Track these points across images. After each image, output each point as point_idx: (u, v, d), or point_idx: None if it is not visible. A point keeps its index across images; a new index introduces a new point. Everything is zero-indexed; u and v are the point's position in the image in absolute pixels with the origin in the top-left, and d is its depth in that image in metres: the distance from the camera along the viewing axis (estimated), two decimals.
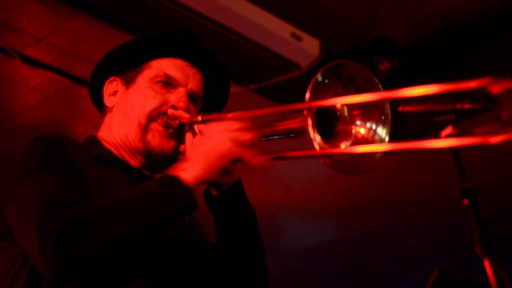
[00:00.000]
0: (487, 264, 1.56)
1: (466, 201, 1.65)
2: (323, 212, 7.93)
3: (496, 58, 5.64)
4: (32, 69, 5.32)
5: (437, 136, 1.76)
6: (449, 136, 1.75)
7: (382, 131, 2.08)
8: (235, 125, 2.07)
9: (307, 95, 1.97)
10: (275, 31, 5.07)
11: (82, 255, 1.84)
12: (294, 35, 5.19)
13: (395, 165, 6.78)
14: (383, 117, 2.09)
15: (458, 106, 1.80)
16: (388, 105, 2.08)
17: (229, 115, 2.14)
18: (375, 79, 2.04)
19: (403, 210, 7.88)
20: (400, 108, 1.98)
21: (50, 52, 5.23)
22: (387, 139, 2.08)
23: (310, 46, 5.29)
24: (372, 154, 2.03)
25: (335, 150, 2.05)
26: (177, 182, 1.97)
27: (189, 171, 2.01)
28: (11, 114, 5.86)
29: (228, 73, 2.58)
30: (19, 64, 5.26)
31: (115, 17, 4.94)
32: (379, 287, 9.80)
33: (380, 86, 2.02)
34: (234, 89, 5.43)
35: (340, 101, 2.04)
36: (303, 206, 7.75)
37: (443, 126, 1.79)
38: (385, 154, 2.01)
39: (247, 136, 2.05)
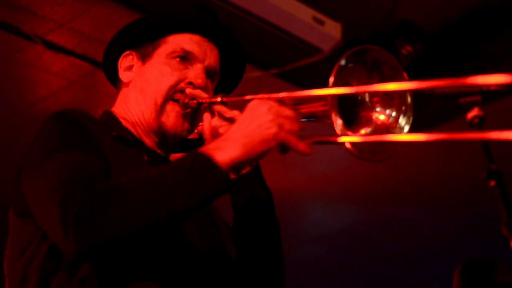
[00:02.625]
0: None
1: (492, 183, 1.64)
2: (345, 198, 7.92)
3: None
4: (54, 55, 5.34)
5: (463, 117, 1.75)
6: (476, 117, 1.73)
7: (403, 119, 2.06)
8: (282, 109, 1.95)
9: (331, 79, 1.93)
10: (296, 15, 5.05)
11: (104, 234, 1.78)
12: (315, 19, 5.17)
13: (418, 149, 6.75)
14: (403, 107, 2.06)
15: (485, 87, 1.78)
16: (410, 96, 2.05)
17: (259, 96, 2.06)
18: (401, 66, 2.02)
19: (426, 195, 7.86)
20: (426, 90, 1.96)
21: (73, 38, 5.25)
22: (407, 127, 2.06)
23: (332, 30, 5.27)
24: (393, 143, 2.00)
25: (385, 138, 2.00)
26: (210, 163, 1.86)
27: (226, 151, 1.89)
28: (33, 100, 5.89)
29: (244, 51, 2.55)
30: (41, 50, 5.28)
31: (137, 2, 4.94)
32: (401, 274, 9.79)
33: (405, 75, 2.00)
34: (255, 73, 5.47)
35: (380, 88, 2.00)
36: (325, 191, 7.75)
37: (469, 108, 1.77)
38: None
39: (293, 125, 1.94)
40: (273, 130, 1.90)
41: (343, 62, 1.96)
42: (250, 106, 1.99)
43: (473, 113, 1.78)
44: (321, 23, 5.21)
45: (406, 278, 9.92)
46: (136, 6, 4.93)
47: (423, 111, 6.08)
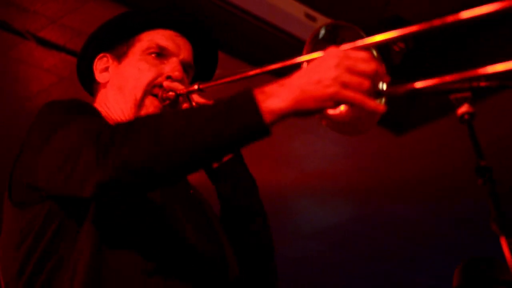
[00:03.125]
0: (503, 242, 1.56)
1: (482, 179, 1.64)
2: (339, 194, 7.93)
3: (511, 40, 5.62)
4: (46, 51, 5.33)
5: (454, 114, 1.76)
6: (466, 114, 1.74)
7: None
8: (358, 64, 1.73)
9: (305, 49, 1.95)
10: (288, 11, 5.06)
11: (139, 158, 1.73)
12: (308, 15, 5.18)
13: (411, 145, 6.77)
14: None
15: (475, 84, 1.78)
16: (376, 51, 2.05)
17: (237, 76, 2.02)
18: (357, 28, 2.01)
19: (420, 191, 7.87)
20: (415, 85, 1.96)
21: (65, 34, 5.24)
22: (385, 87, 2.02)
23: None
24: (371, 116, 1.96)
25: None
26: (253, 104, 1.71)
27: (275, 99, 1.72)
28: (25, 96, 5.88)
29: (215, 39, 2.57)
30: (33, 46, 5.27)
31: None
32: (396, 270, 9.81)
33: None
34: (247, 69, 5.45)
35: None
36: (318, 187, 7.75)
37: (459, 104, 1.77)
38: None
39: (363, 85, 1.72)
40: (332, 89, 1.70)
41: (317, 35, 1.96)
42: (323, 55, 1.78)
43: (463, 109, 1.78)
44: (314, 19, 5.22)
45: (401, 274, 9.94)
46: (128, 3, 4.93)
47: (414, 107, 6.11)
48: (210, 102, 2.19)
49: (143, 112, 2.32)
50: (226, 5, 4.84)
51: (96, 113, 2.19)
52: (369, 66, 1.73)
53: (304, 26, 5.19)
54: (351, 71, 1.72)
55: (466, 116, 1.78)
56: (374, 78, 1.74)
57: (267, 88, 1.74)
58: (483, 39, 5.65)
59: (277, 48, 5.43)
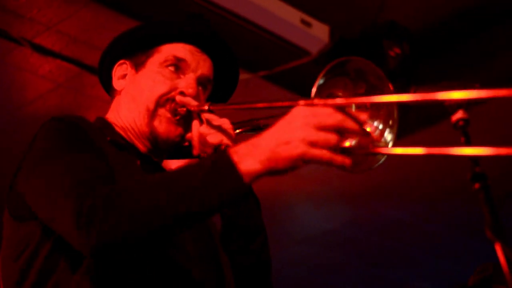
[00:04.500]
0: (498, 249, 1.56)
1: (477, 185, 1.65)
2: (334, 198, 7.93)
3: (506, 43, 5.63)
4: (42, 57, 5.33)
5: (448, 120, 1.76)
6: (460, 120, 1.74)
7: (388, 134, 2.05)
8: (326, 121, 1.76)
9: (313, 90, 1.91)
10: (284, 17, 5.06)
11: (121, 231, 1.78)
12: (303, 21, 5.18)
13: None
14: (390, 121, 2.05)
15: (469, 89, 1.79)
16: (397, 111, 2.04)
17: (245, 106, 2.04)
18: (383, 74, 2.02)
19: (414, 195, 7.87)
20: (412, 92, 1.97)
21: (60, 40, 5.24)
22: (391, 144, 2.05)
23: (320, 32, 5.28)
24: (377, 156, 2.00)
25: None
26: (233, 169, 1.77)
27: (250, 162, 1.77)
28: (21, 103, 5.87)
29: (237, 61, 2.57)
30: (29, 52, 5.27)
31: (125, 5, 4.95)
32: (391, 273, 9.81)
33: (390, 85, 1.99)
34: (243, 75, 5.46)
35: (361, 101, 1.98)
36: (314, 191, 7.75)
37: (454, 110, 1.78)
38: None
39: (330, 141, 1.77)
40: (300, 150, 1.75)
41: (321, 81, 1.93)
42: (290, 113, 1.82)
43: (458, 115, 1.79)
44: (309, 25, 5.22)
45: (397, 278, 9.94)
46: (123, 9, 4.93)
47: (408, 113, 6.12)
48: (222, 122, 2.22)
49: (156, 123, 2.33)
50: (221, 11, 4.84)
51: (91, 142, 2.14)
52: (335, 120, 1.77)
53: (299, 32, 5.20)
54: (317, 128, 1.75)
55: (460, 123, 1.79)
56: (343, 132, 1.79)
57: (241, 149, 1.79)
58: (480, 42, 5.66)
59: (273, 54, 5.44)
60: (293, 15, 5.12)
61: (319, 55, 5.35)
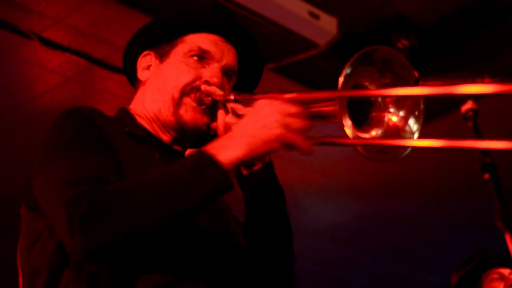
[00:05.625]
0: (508, 239, 1.56)
1: (486, 176, 1.65)
2: (343, 192, 7.92)
3: None
4: (50, 51, 5.34)
5: (458, 111, 1.76)
6: (470, 110, 1.74)
7: (413, 124, 2.06)
8: (289, 108, 1.96)
9: (340, 79, 1.94)
10: (292, 10, 5.06)
11: (110, 236, 1.83)
12: (311, 14, 5.18)
13: None
14: (416, 112, 2.07)
15: (478, 81, 1.79)
16: (423, 102, 2.07)
17: (268, 95, 2.07)
18: (410, 64, 2.02)
19: (424, 188, 7.86)
20: (420, 84, 1.97)
21: (69, 34, 5.25)
22: (416, 135, 2.06)
23: (328, 24, 5.27)
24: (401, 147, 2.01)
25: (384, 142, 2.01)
26: (213, 163, 1.90)
27: (230, 151, 1.92)
28: (30, 97, 5.88)
29: (260, 52, 2.56)
30: (37, 46, 5.28)
31: None
32: (400, 267, 9.80)
33: (415, 73, 2.00)
34: None
35: (389, 93, 2.00)
36: (323, 185, 7.75)
37: (464, 101, 1.78)
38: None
39: (299, 124, 1.95)
40: (277, 131, 1.92)
41: (348, 69, 1.95)
42: (257, 105, 2.00)
43: (467, 106, 1.79)
44: (317, 17, 5.22)
45: (406, 272, 9.93)
46: (131, 2, 4.94)
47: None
48: (246, 109, 2.23)
49: (182, 111, 2.33)
50: (229, 4, 4.84)
51: (103, 137, 2.14)
52: (298, 110, 1.96)
53: (308, 24, 5.19)
54: (287, 114, 1.94)
55: (470, 113, 1.79)
56: (306, 121, 1.97)
57: (217, 143, 1.95)
58: (487, 35, 5.64)
59: (281, 47, 5.44)
60: (301, 8, 5.12)
61: (327, 47, 5.35)
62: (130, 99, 2.52)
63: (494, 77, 1.81)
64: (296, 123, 1.94)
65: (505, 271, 4.25)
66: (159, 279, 2.00)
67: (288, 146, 1.96)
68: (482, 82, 1.78)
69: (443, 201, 8.13)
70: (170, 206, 1.87)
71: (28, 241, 2.13)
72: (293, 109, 1.95)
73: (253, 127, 1.94)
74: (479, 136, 1.74)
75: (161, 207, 1.86)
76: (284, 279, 2.34)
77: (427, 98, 2.01)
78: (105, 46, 5.30)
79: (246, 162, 1.99)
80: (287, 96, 2.04)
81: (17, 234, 2.23)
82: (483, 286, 4.27)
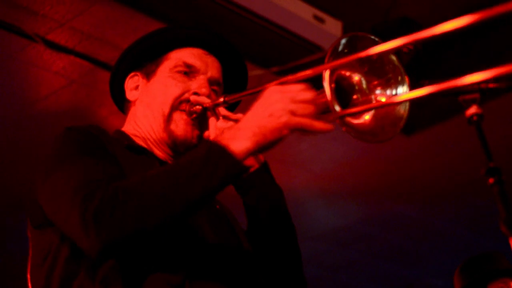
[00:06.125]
0: None
1: (491, 180, 1.65)
2: (347, 195, 7.92)
3: None
4: (55, 54, 5.35)
5: (462, 115, 1.76)
6: (474, 115, 1.74)
7: (402, 90, 2.08)
8: (296, 95, 1.92)
9: (326, 74, 1.97)
10: (297, 13, 5.06)
11: (125, 229, 1.83)
12: (316, 17, 5.18)
13: (419, 146, 6.76)
14: (399, 78, 2.10)
15: (483, 85, 1.79)
16: (402, 67, 2.10)
17: (262, 87, 2.08)
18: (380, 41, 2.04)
19: (427, 192, 7.86)
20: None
21: (73, 37, 5.25)
22: (406, 92, 2.09)
23: (333, 28, 5.27)
24: (393, 124, 2.03)
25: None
26: (225, 152, 1.89)
27: (239, 141, 1.90)
28: (34, 99, 5.89)
29: (244, 61, 2.60)
30: (42, 49, 5.29)
31: (138, 0, 4.95)
32: (403, 271, 9.80)
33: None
34: (256, 71, 5.47)
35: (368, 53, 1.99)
36: (326, 188, 7.75)
37: (468, 105, 1.78)
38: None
39: (306, 108, 1.91)
40: (284, 118, 1.89)
41: (339, 46, 2.00)
42: (263, 94, 1.98)
43: (472, 110, 1.79)
44: (322, 21, 5.22)
45: (410, 275, 9.93)
46: (136, 5, 4.94)
47: (423, 109, 6.10)
48: (238, 116, 2.26)
49: (173, 126, 2.36)
50: (234, 7, 4.84)
51: (103, 148, 2.17)
52: (306, 94, 1.92)
53: (312, 28, 5.19)
54: (293, 100, 1.90)
55: (474, 118, 1.79)
56: (315, 103, 1.94)
57: (225, 135, 1.94)
58: (492, 39, 5.64)
59: (286, 50, 5.44)
60: (306, 11, 5.12)
61: None
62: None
63: (499, 81, 1.80)
64: (303, 108, 1.91)
65: (510, 281, 4.25)
66: (169, 278, 2.02)
67: (301, 130, 1.93)
68: (486, 86, 1.78)
69: (447, 204, 8.13)
70: (184, 196, 1.87)
71: (39, 258, 2.15)
72: (300, 94, 1.92)
73: (260, 116, 1.93)
74: (484, 141, 1.74)
75: (175, 197, 1.86)
76: (293, 276, 2.36)
77: (424, 102, 2.03)
78: (109, 49, 5.30)
79: (256, 152, 1.95)
80: (278, 81, 2.04)
81: (15, 232, 2.23)
82: None
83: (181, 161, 1.95)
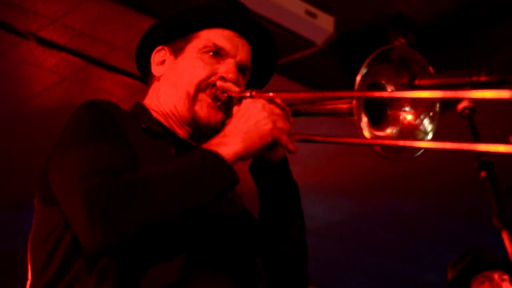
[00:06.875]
0: (505, 236, 1.56)
1: (483, 174, 1.64)
2: (341, 190, 7.94)
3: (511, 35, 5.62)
4: (47, 51, 5.34)
5: (454, 110, 1.75)
6: (466, 108, 1.74)
7: (428, 124, 2.08)
8: (276, 109, 2.09)
9: (358, 78, 1.95)
10: (289, 8, 5.06)
11: (129, 229, 1.86)
12: (308, 12, 5.17)
13: None
14: (431, 113, 2.09)
15: (475, 78, 1.78)
16: (439, 105, 2.09)
17: (281, 94, 2.11)
18: (428, 64, 2.03)
19: (420, 186, 7.88)
20: (416, 82, 1.97)
21: (65, 33, 5.25)
22: (430, 135, 2.07)
23: (325, 23, 5.27)
24: (412, 148, 2.03)
25: (380, 141, 2.03)
26: (219, 159, 1.97)
27: (229, 147, 2.00)
28: (27, 96, 5.88)
29: (275, 46, 2.54)
30: (34, 46, 5.28)
31: None
32: (396, 265, 9.81)
33: (431, 70, 2.01)
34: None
35: (395, 95, 2.02)
36: (319, 184, 7.76)
37: (459, 99, 1.77)
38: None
39: (284, 123, 2.09)
40: (270, 126, 2.04)
41: (365, 68, 1.97)
42: (244, 105, 2.11)
43: (463, 104, 1.78)
44: (314, 16, 5.21)
45: (402, 269, 9.95)
46: (127, 1, 4.93)
47: None
48: None
49: (197, 107, 2.33)
50: None
51: (119, 131, 2.16)
52: (281, 110, 2.10)
53: (304, 23, 5.19)
54: (273, 113, 2.08)
55: (466, 111, 1.78)
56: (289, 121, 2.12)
57: (213, 141, 2.03)
58: (483, 35, 5.65)
59: (278, 45, 5.43)
60: (298, 6, 5.12)
61: (324, 46, 5.34)
62: (126, 99, 2.51)
63: (491, 75, 1.80)
64: (281, 121, 2.08)
65: (494, 274, 4.30)
66: (166, 272, 2.03)
67: (275, 143, 2.08)
68: (478, 80, 1.78)
69: (440, 199, 8.15)
70: (184, 201, 1.92)
71: (42, 234, 2.14)
72: (277, 109, 2.09)
73: (246, 123, 2.05)
74: (476, 134, 1.73)
75: (176, 202, 1.91)
76: (298, 272, 2.38)
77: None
78: (101, 46, 5.29)
79: (243, 157, 2.03)
80: (304, 94, 2.18)
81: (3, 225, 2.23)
82: None
83: (180, 166, 1.99)
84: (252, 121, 2.05)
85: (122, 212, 1.85)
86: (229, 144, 2.01)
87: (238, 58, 2.38)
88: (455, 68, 1.70)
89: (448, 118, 2.09)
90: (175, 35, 2.44)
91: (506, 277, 4.33)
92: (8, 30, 5.10)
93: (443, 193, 8.00)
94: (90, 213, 1.85)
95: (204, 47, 2.37)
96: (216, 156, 1.96)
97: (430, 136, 2.08)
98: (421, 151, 2.04)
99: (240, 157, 2.02)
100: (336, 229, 8.71)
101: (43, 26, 5.14)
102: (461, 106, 1.77)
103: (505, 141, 1.63)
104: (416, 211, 8.43)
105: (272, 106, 2.09)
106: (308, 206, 8.23)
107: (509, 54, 5.72)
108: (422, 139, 2.10)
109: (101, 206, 1.85)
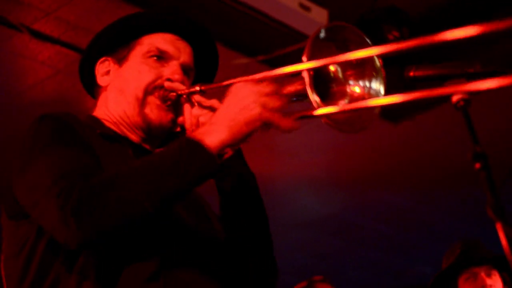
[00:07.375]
0: (499, 228, 1.56)
1: (477, 165, 1.64)
2: (333, 183, 7.94)
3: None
4: (41, 44, 5.33)
5: (449, 102, 1.75)
6: (461, 100, 1.74)
7: (376, 86, 2.10)
8: (263, 89, 2.01)
9: (304, 59, 1.99)
10: (283, 2, 5.06)
11: (104, 223, 1.87)
12: (302, 6, 5.17)
13: (405, 133, 6.78)
14: (374, 73, 2.11)
15: (469, 70, 1.78)
16: (379, 60, 2.10)
17: (238, 79, 2.11)
18: (368, 43, 2.05)
19: (415, 179, 7.89)
20: (411, 73, 1.97)
21: (59, 26, 5.24)
22: (382, 92, 2.09)
23: (318, 16, 5.27)
24: (370, 111, 2.04)
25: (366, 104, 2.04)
26: (198, 146, 1.95)
27: (214, 135, 1.97)
28: (20, 89, 5.87)
29: (215, 44, 2.58)
30: (27, 39, 5.27)
31: None
32: (390, 258, 9.83)
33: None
34: (242, 60, 5.46)
35: (338, 59, 2.02)
36: (312, 177, 7.76)
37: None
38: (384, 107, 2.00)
39: (276, 102, 2.00)
40: (257, 110, 1.97)
41: (317, 38, 2.03)
42: (232, 90, 2.05)
43: (458, 95, 1.78)
44: (308, 9, 5.21)
45: (396, 262, 9.97)
46: None
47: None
48: (212, 102, 2.27)
49: (147, 110, 2.35)
50: None
51: (78, 136, 2.17)
52: (272, 89, 2.01)
53: (298, 16, 5.19)
54: (262, 95, 1.99)
55: (461, 103, 1.78)
56: (282, 98, 2.02)
57: (200, 130, 2.02)
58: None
59: (271, 38, 5.44)
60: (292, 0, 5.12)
61: None
62: None
63: (485, 67, 1.81)
64: (273, 101, 1.99)
65: (481, 270, 4.31)
66: (145, 266, 2.04)
67: (269, 125, 2.00)
68: (473, 71, 1.78)
69: (435, 192, 8.16)
70: (160, 190, 1.92)
71: (15, 249, 2.14)
72: (267, 89, 2.01)
73: (232, 110, 1.99)
74: (470, 125, 1.74)
75: (151, 192, 1.91)
76: (265, 262, 2.37)
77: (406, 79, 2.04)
78: None
79: (231, 145, 2.01)
80: (257, 76, 2.08)
81: None
82: (458, 286, 4.34)
83: (156, 157, 2.01)
84: (238, 107, 1.99)
85: (96, 207, 1.86)
86: (214, 132, 1.98)
87: (181, 60, 2.42)
88: (448, 61, 1.71)
89: (443, 110, 2.10)
90: (117, 45, 2.46)
91: (494, 271, 4.33)
92: (2, 22, 5.09)
93: (437, 186, 8.01)
94: (64, 211, 1.86)
95: (148, 52, 2.40)
96: (195, 144, 1.95)
97: (382, 93, 2.10)
98: (373, 120, 2.06)
99: (228, 145, 1.99)
100: (329, 222, 8.72)
101: (37, 19, 5.13)
102: (456, 98, 1.77)
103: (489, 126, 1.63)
104: (410, 204, 8.45)
105: (261, 88, 2.01)
106: (301, 199, 8.28)
107: (503, 47, 5.74)
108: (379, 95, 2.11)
109: (75, 203, 1.86)
